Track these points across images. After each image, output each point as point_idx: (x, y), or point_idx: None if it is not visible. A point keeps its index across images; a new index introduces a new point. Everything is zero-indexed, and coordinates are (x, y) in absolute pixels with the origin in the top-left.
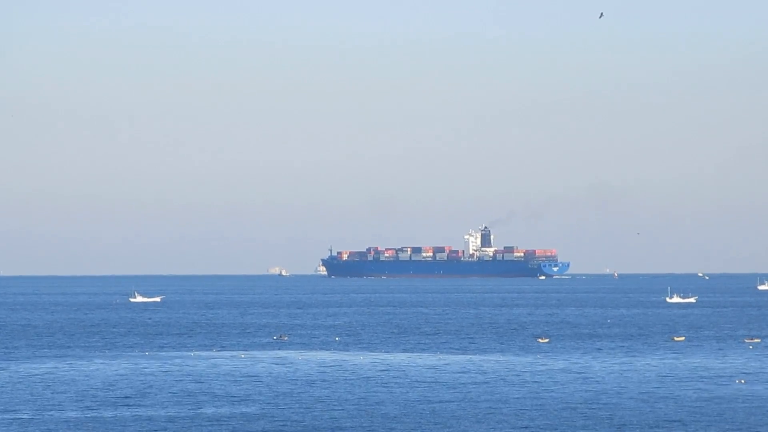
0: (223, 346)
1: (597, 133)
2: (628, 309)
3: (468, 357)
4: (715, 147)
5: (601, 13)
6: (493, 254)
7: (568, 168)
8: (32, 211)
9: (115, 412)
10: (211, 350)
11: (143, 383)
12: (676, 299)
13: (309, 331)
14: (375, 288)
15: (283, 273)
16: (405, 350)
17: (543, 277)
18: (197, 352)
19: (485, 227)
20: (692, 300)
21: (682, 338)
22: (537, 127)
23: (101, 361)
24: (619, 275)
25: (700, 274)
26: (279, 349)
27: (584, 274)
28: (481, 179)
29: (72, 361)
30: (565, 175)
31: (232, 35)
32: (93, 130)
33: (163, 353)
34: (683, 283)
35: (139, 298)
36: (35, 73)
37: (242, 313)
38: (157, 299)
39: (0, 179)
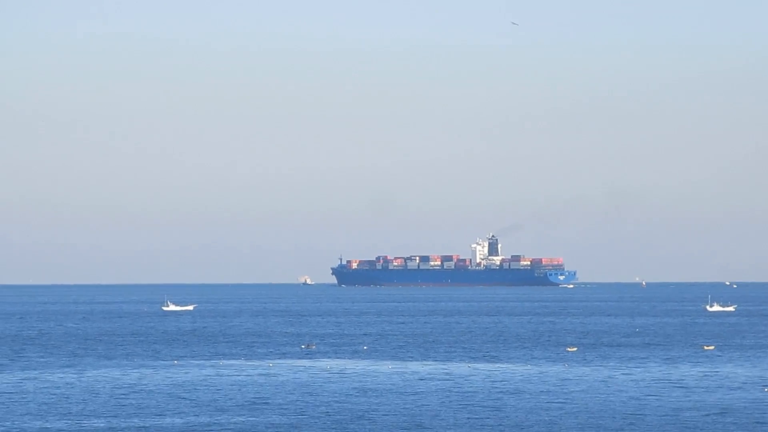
0: (251, 355)
1: (609, 139)
2: (665, 318)
3: (496, 365)
4: (733, 150)
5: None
6: (500, 263)
7: (578, 175)
8: (62, 220)
9: (143, 422)
10: (239, 359)
11: (172, 392)
12: (716, 308)
13: (337, 340)
14: (388, 297)
15: (308, 281)
16: (433, 359)
17: (571, 286)
18: (226, 361)
19: (492, 236)
20: (731, 308)
21: (712, 347)
22: (546, 134)
23: (131, 369)
24: (646, 284)
25: (728, 283)
26: (307, 358)
27: (610, 283)
28: (490, 187)
29: (102, 370)
30: (576, 183)
31: (243, 43)
32: (123, 141)
33: (193, 362)
34: (712, 291)
35: (172, 307)
36: (51, 82)
37: (270, 322)
38: (190, 308)
39: (34, 190)
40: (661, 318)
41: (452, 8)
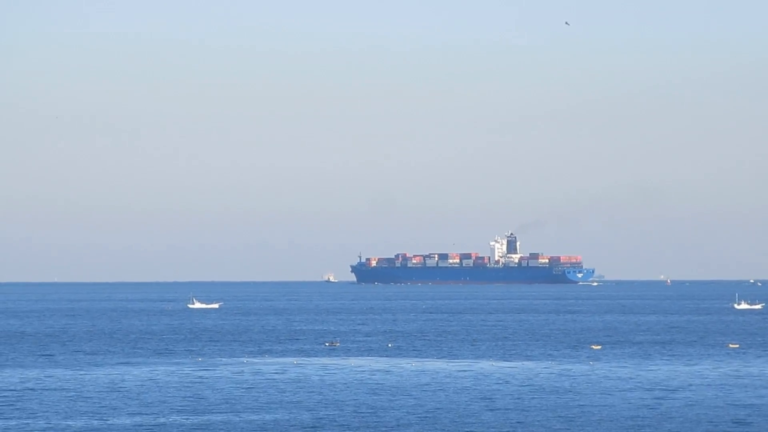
0: (275, 353)
1: (632, 135)
2: (692, 315)
3: (521, 363)
4: (757, 146)
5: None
6: (519, 261)
7: (600, 172)
8: (88, 220)
9: (166, 419)
10: (263, 356)
11: (196, 389)
12: (744, 305)
13: (360, 338)
14: (406, 295)
15: (331, 279)
16: (457, 357)
17: (595, 284)
18: (249, 359)
19: (511, 233)
20: (759, 306)
21: (737, 345)
22: (567, 131)
23: (155, 367)
24: (671, 282)
25: (752, 281)
26: (331, 355)
27: (635, 281)
28: (510, 185)
29: (126, 367)
30: (597, 180)
31: (247, 42)
32: (148, 142)
33: (216, 359)
34: (736, 289)
35: (198, 305)
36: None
37: (293, 320)
38: (215, 305)
39: (60, 190)
40: (688, 316)
41: (459, 5)
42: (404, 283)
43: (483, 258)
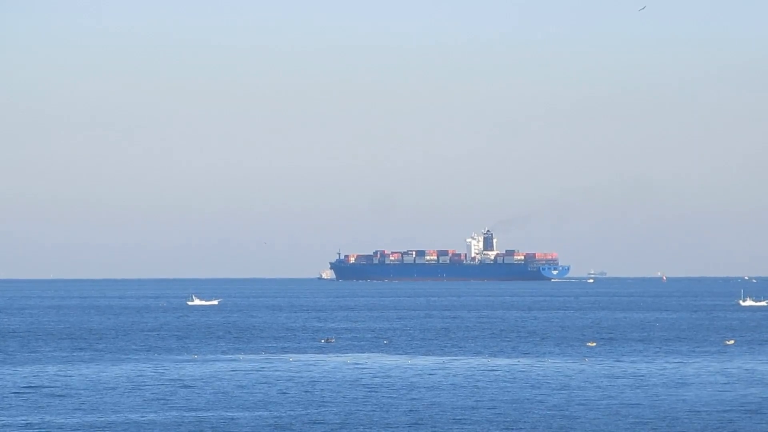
0: (271, 350)
1: (623, 132)
2: (696, 312)
3: (517, 360)
4: (751, 144)
5: (644, 6)
6: (495, 257)
7: (589, 169)
8: (88, 217)
9: (159, 415)
10: (260, 353)
11: (193, 386)
12: (749, 302)
13: (356, 335)
14: (388, 291)
15: (324, 276)
16: (455, 354)
17: (591, 281)
18: (246, 356)
19: (488, 230)
20: (764, 303)
21: (733, 341)
22: (553, 128)
23: (151, 364)
24: (667, 278)
25: (746, 278)
26: (327, 352)
27: (632, 278)
28: (488, 182)
29: (123, 364)
30: (585, 176)
31: (246, 41)
32: (140, 139)
33: (212, 357)
34: (732, 286)
35: (197, 302)
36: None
37: (290, 317)
38: (215, 302)
39: (64, 189)
40: (695, 313)
41: (453, 4)
42: (382, 279)
43: (459, 255)
